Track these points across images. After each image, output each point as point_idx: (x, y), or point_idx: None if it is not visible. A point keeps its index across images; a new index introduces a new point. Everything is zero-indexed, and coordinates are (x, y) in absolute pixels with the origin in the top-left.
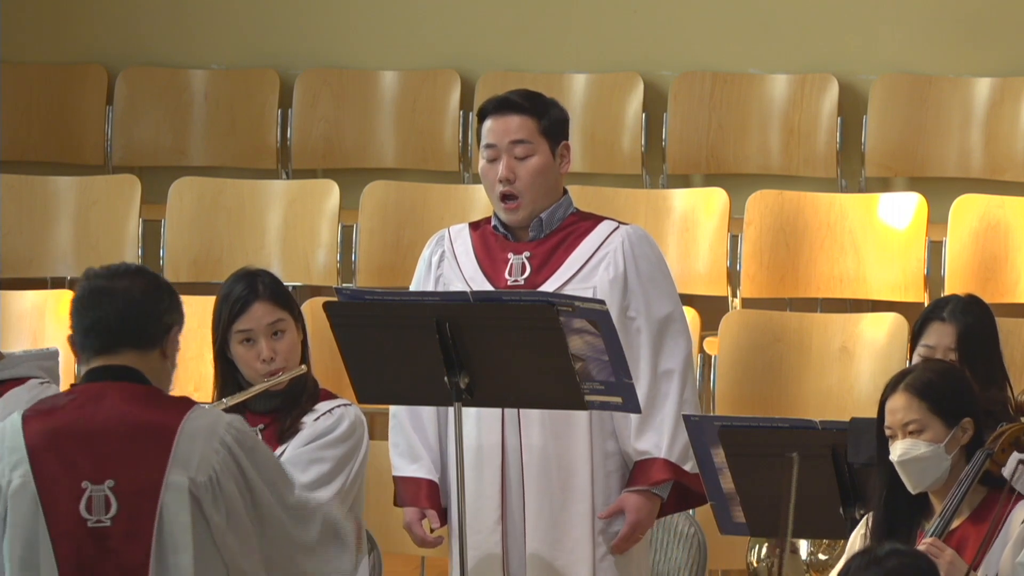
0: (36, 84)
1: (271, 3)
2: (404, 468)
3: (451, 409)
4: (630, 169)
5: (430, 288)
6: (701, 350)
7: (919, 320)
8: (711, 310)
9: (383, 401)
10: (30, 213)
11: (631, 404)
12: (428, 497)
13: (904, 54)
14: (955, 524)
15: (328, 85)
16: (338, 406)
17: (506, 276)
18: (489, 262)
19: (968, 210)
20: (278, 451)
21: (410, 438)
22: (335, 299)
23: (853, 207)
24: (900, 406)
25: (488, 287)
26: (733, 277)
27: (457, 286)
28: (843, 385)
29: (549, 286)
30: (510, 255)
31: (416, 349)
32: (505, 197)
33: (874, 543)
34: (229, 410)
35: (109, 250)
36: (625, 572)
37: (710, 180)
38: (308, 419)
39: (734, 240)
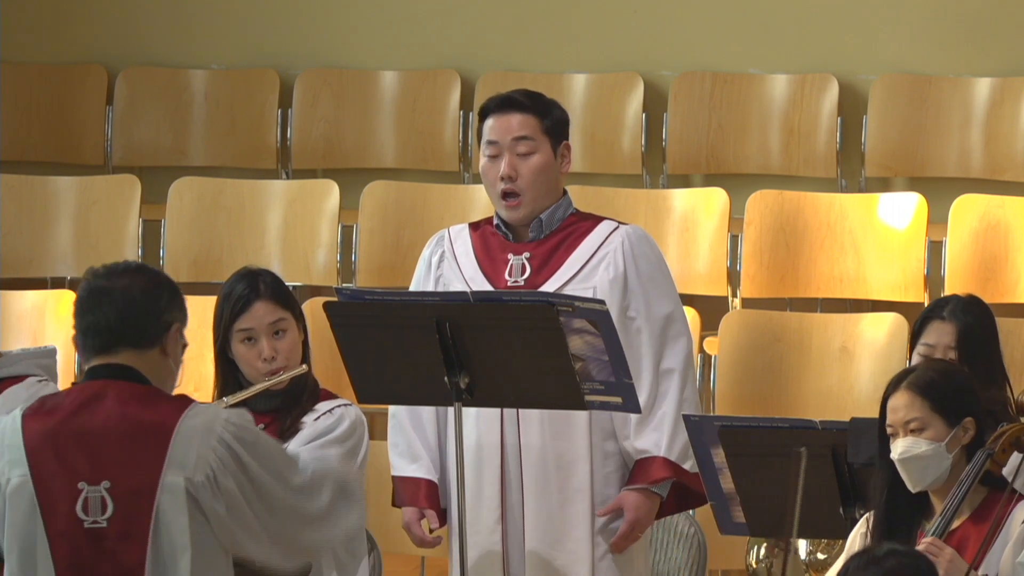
0: (36, 84)
1: (271, 3)
2: (403, 468)
3: (451, 409)
4: (630, 169)
5: (430, 288)
6: (701, 350)
7: (919, 319)
8: (711, 310)
9: (383, 401)
10: (30, 213)
11: (631, 404)
12: (427, 497)
13: (904, 54)
14: (956, 524)
15: (328, 85)
16: (338, 406)
17: (506, 277)
18: (489, 263)
19: (968, 210)
20: None
21: (410, 438)
22: (335, 299)
23: (853, 207)
24: (902, 404)
25: (488, 288)
26: (733, 277)
27: (457, 287)
28: (843, 385)
29: (549, 287)
30: (510, 256)
31: (416, 349)
32: (506, 195)
33: (873, 543)
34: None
35: (109, 250)
36: (624, 572)
37: (710, 180)
38: (308, 419)
39: (734, 240)
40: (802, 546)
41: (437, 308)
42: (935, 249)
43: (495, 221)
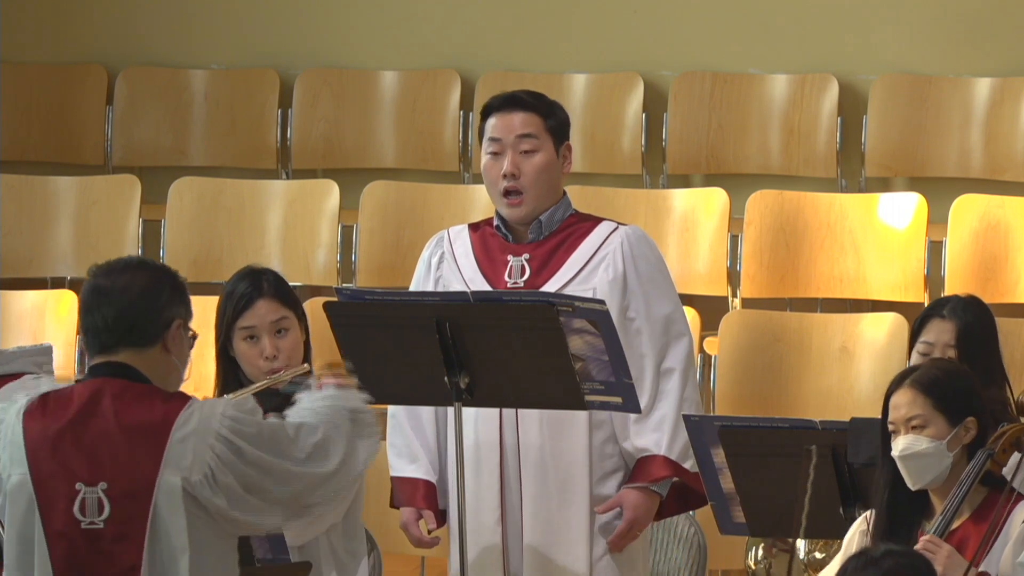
0: (36, 84)
1: (271, 3)
2: (402, 468)
3: (450, 409)
4: (630, 169)
5: (429, 289)
6: (701, 350)
7: (919, 317)
8: (711, 310)
9: (383, 401)
10: (30, 213)
11: (631, 404)
12: (425, 498)
13: (904, 54)
14: (956, 524)
15: (328, 85)
16: None
17: (506, 278)
18: (489, 264)
19: (968, 210)
20: None
21: (408, 438)
22: (335, 299)
23: (853, 207)
24: (905, 401)
25: (488, 289)
26: (733, 277)
27: (456, 288)
28: (843, 385)
29: (549, 288)
30: (509, 257)
31: (416, 349)
32: (509, 192)
33: (870, 544)
34: None
35: (109, 250)
36: (624, 572)
37: (710, 180)
38: None
39: (734, 240)
40: (800, 546)
41: (437, 308)
42: (935, 249)
43: (495, 222)
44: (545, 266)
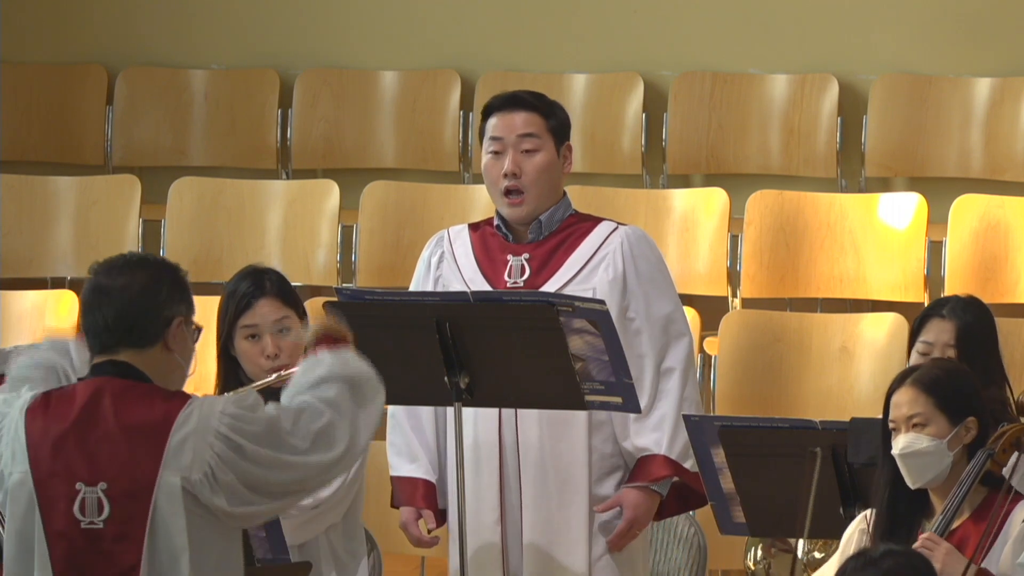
0: (36, 84)
1: (271, 3)
2: (401, 468)
3: (450, 409)
4: (630, 169)
5: (429, 289)
6: (701, 350)
7: (919, 317)
8: (711, 310)
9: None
10: (30, 213)
11: (631, 404)
12: (424, 497)
13: (904, 54)
14: (956, 524)
15: (328, 85)
16: None
17: (505, 278)
18: (488, 263)
19: (968, 210)
20: None
21: (408, 438)
22: (335, 299)
23: (853, 207)
24: (906, 400)
25: (487, 289)
26: (733, 277)
27: (456, 288)
28: (843, 385)
29: (549, 288)
30: (509, 257)
31: (416, 349)
32: (509, 192)
33: (870, 544)
34: None
35: (109, 250)
36: (624, 572)
37: (710, 180)
38: None
39: (734, 240)
40: (799, 545)
41: (437, 308)
42: (935, 249)
43: (495, 222)
44: (545, 266)
